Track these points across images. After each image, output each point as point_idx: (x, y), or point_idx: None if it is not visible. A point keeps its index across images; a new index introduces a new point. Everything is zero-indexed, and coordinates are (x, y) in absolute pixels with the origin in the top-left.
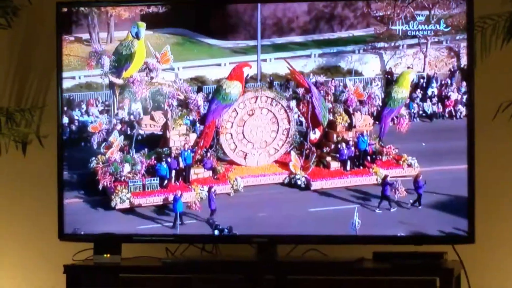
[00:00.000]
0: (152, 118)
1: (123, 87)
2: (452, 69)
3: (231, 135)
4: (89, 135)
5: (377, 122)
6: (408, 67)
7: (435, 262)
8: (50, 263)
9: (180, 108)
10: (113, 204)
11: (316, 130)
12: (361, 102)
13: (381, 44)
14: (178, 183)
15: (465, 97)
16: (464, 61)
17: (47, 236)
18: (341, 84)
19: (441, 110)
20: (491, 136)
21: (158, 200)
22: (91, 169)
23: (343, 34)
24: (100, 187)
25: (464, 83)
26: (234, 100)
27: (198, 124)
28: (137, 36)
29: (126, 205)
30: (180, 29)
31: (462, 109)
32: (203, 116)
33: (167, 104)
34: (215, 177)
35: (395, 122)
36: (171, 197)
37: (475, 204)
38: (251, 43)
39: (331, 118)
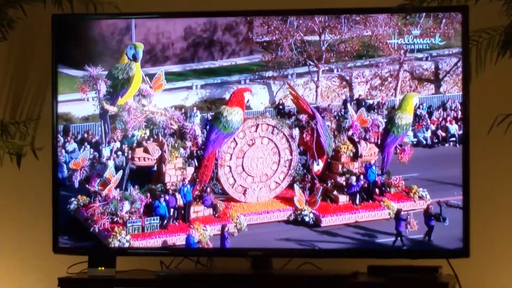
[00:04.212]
0: (146, 151)
1: (115, 116)
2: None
3: (230, 168)
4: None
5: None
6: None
7: (430, 276)
8: (44, 276)
9: (174, 138)
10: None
11: (319, 160)
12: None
13: (269, 73)
14: (177, 223)
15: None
16: (356, 91)
17: (42, 249)
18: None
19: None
20: (486, 148)
21: (160, 243)
22: (71, 211)
23: (225, 62)
24: (96, 229)
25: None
26: (236, 129)
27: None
28: (134, 59)
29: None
30: None
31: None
32: (201, 147)
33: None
34: (216, 215)
35: (398, 151)
36: (178, 241)
37: (470, 218)
38: None
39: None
